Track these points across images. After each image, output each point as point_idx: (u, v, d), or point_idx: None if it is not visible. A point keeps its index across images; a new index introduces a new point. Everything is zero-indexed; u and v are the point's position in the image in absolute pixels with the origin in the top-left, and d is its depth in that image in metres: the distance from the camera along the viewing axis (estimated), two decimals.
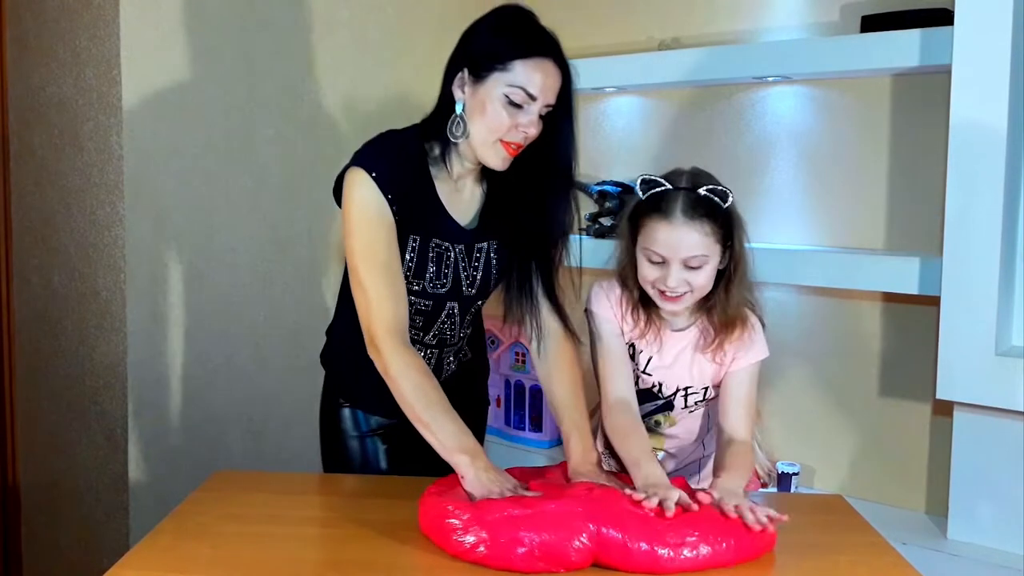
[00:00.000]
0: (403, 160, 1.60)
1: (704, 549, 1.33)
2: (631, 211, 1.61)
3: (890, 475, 2.51)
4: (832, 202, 2.58)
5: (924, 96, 2.40)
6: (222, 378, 2.50)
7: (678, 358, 1.67)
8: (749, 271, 1.61)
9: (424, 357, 1.73)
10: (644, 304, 1.64)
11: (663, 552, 1.32)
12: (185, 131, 2.40)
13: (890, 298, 2.48)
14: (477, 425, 1.89)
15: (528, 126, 1.54)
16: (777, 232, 2.67)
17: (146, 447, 2.38)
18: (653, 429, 1.75)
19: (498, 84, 1.53)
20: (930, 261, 2.21)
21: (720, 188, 1.56)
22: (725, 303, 1.60)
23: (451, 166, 1.63)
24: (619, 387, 1.65)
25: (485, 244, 1.69)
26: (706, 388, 1.69)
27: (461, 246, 1.66)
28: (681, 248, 1.54)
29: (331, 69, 2.71)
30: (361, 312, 1.57)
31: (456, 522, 1.34)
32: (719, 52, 2.59)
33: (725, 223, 1.56)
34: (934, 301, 2.26)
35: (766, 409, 2.69)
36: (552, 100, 1.56)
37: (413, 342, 1.67)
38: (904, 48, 2.26)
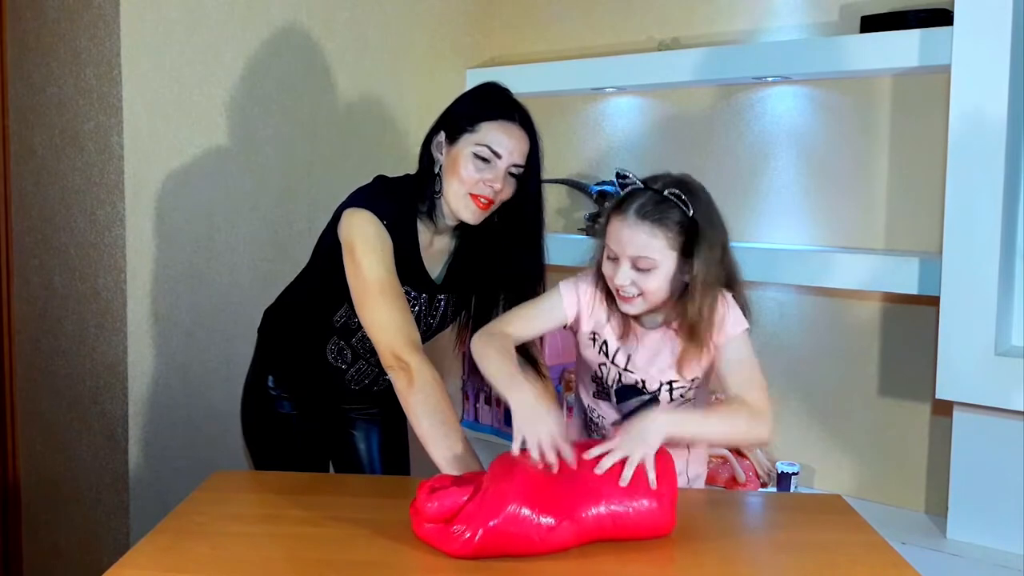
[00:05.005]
0: (397, 209, 1.74)
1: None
2: (610, 206, 1.62)
3: (890, 475, 2.51)
4: (832, 202, 2.58)
5: (924, 96, 2.40)
6: (222, 378, 2.50)
7: (657, 354, 1.65)
8: (710, 290, 1.55)
9: (365, 371, 1.91)
10: (613, 302, 1.63)
11: (653, 503, 1.38)
12: (185, 131, 2.41)
13: (890, 298, 2.48)
14: (401, 432, 2.08)
15: (494, 181, 1.69)
16: (777, 232, 2.67)
17: (146, 447, 2.39)
18: None
19: (468, 144, 1.70)
20: (930, 261, 2.21)
21: (684, 198, 1.51)
22: (683, 315, 1.57)
23: (436, 222, 1.79)
24: (517, 327, 1.66)
25: (444, 296, 1.85)
26: (694, 379, 1.68)
27: (426, 296, 1.81)
28: (628, 246, 1.52)
29: (331, 69, 2.71)
30: (381, 336, 1.67)
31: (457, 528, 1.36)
32: (719, 52, 2.59)
33: (686, 232, 1.52)
34: (934, 301, 2.27)
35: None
36: (519, 160, 1.71)
37: (362, 359, 1.87)
38: (904, 48, 2.26)
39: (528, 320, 1.68)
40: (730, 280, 1.62)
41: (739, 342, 1.61)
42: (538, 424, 1.43)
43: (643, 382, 1.68)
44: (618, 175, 1.58)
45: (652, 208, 1.52)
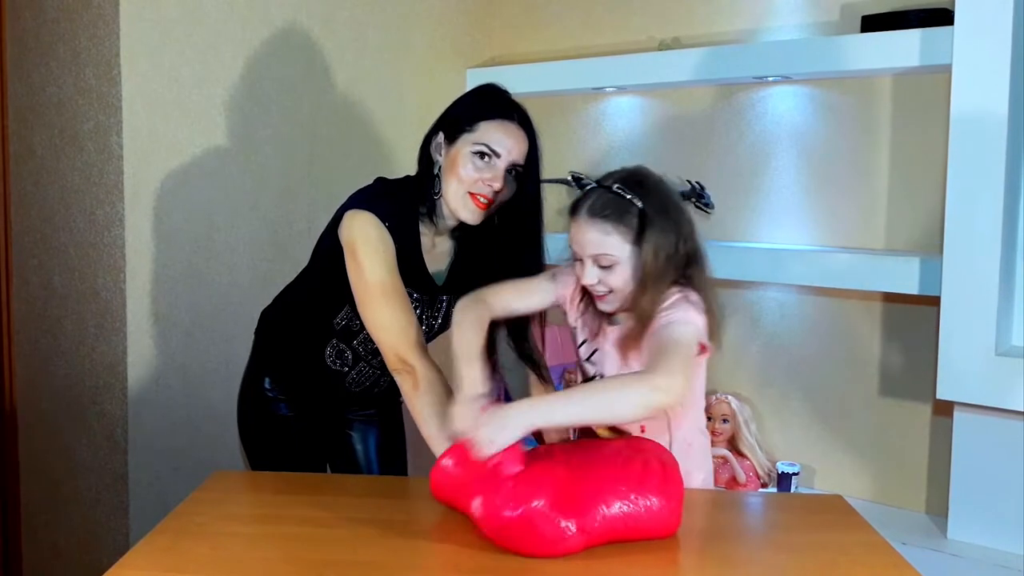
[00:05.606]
0: (399, 210, 1.74)
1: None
2: (567, 209, 1.60)
3: (890, 475, 2.51)
4: (832, 202, 2.58)
5: (924, 96, 2.40)
6: (222, 378, 2.50)
7: (609, 351, 1.64)
8: (660, 281, 1.51)
9: (367, 374, 1.90)
10: (591, 299, 1.63)
11: (663, 501, 1.36)
12: (185, 131, 2.40)
13: (890, 298, 2.48)
14: (398, 432, 2.08)
15: (492, 180, 1.68)
16: (777, 232, 2.67)
17: (146, 447, 2.38)
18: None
19: (466, 143, 1.70)
20: (930, 261, 2.21)
21: (629, 190, 1.50)
22: (637, 307, 1.53)
23: (436, 223, 1.79)
24: (503, 293, 1.65)
25: (446, 298, 1.84)
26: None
27: (427, 297, 1.82)
28: (586, 246, 1.53)
29: (330, 69, 2.71)
30: (385, 338, 1.68)
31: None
32: (719, 52, 2.59)
33: (641, 224, 1.50)
34: (934, 301, 2.26)
35: (766, 409, 2.69)
36: (518, 159, 1.71)
37: (363, 362, 1.87)
38: (904, 48, 2.26)
39: (519, 292, 1.67)
40: (692, 272, 1.56)
41: (678, 326, 1.47)
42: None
43: (601, 376, 1.67)
44: (573, 177, 1.57)
45: (602, 205, 1.52)
